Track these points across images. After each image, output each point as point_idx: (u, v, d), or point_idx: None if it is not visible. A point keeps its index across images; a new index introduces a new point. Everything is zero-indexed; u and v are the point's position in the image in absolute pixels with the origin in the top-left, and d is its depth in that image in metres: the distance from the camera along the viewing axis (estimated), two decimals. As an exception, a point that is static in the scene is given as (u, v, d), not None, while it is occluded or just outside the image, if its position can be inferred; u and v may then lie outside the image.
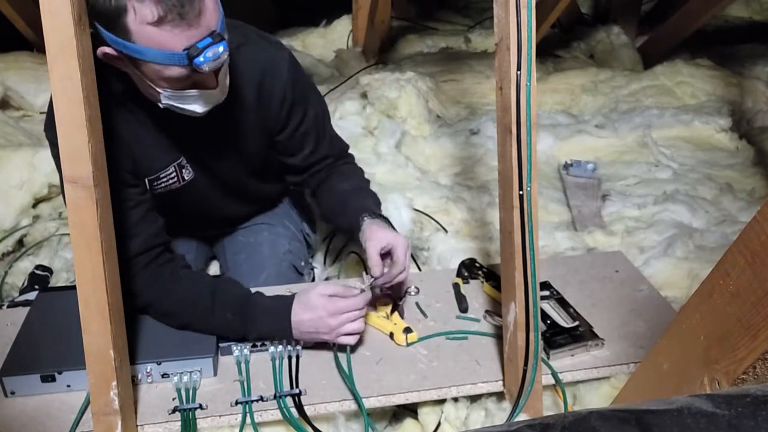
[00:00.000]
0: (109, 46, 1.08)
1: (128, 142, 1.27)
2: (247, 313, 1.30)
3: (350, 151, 1.61)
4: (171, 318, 1.33)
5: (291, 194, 1.78)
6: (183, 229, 1.60)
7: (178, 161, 1.36)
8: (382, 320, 1.39)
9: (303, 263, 1.68)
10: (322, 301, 1.27)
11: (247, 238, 1.68)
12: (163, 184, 1.36)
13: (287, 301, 1.31)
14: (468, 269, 1.56)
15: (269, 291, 1.42)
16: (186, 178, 1.38)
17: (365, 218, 1.39)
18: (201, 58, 1.06)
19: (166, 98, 1.15)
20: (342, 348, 1.31)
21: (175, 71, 1.09)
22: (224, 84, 1.19)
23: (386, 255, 1.36)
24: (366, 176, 1.59)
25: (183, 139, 1.34)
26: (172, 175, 1.36)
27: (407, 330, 1.36)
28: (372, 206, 1.45)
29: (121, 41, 1.05)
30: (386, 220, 1.43)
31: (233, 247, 1.69)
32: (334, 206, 1.51)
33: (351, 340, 1.30)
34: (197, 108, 1.18)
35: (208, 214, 1.55)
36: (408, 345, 1.35)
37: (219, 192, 1.48)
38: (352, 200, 1.46)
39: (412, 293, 1.51)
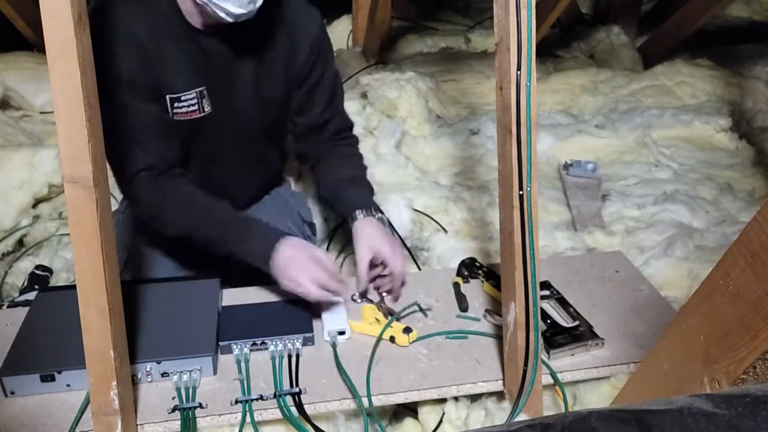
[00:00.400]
0: None
1: (155, 57, 1.31)
2: (243, 227, 1.36)
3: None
4: (173, 227, 1.38)
5: (294, 197, 1.79)
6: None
7: (200, 89, 1.38)
8: (376, 327, 1.38)
9: None
10: (316, 256, 1.33)
11: None
12: (183, 109, 1.38)
13: (282, 233, 1.36)
14: (468, 268, 1.56)
15: (265, 291, 1.45)
16: (206, 109, 1.41)
17: (359, 215, 1.43)
18: None
19: None
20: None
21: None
22: None
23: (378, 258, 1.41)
24: (363, 162, 1.63)
25: (209, 69, 1.38)
26: (194, 101, 1.38)
27: (407, 330, 1.36)
28: (366, 201, 1.49)
29: None
30: (380, 213, 1.47)
31: None
32: (331, 193, 1.57)
33: (303, 292, 1.32)
34: (233, 8, 1.22)
35: (219, 168, 1.54)
36: (410, 344, 1.36)
37: (231, 136, 1.49)
38: (348, 191, 1.51)
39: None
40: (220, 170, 1.54)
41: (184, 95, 1.37)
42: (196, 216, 1.38)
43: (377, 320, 1.39)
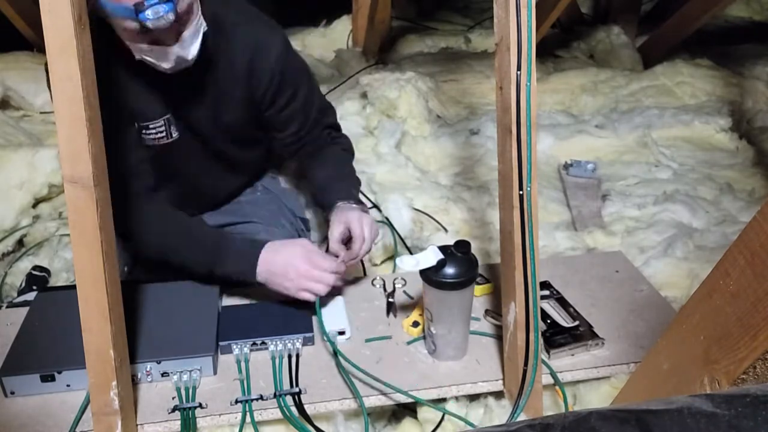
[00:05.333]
0: None
1: (125, 87, 1.35)
2: (219, 248, 1.37)
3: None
4: (164, 255, 1.40)
5: (286, 194, 1.82)
6: (174, 200, 1.63)
7: (167, 116, 1.42)
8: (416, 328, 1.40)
9: None
10: (300, 249, 1.34)
11: (243, 236, 1.68)
12: (152, 135, 1.42)
13: (259, 243, 1.37)
14: None
15: (265, 291, 1.43)
16: (173, 135, 1.44)
17: (338, 203, 1.48)
18: (145, 14, 1.13)
19: (135, 52, 1.23)
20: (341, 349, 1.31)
21: (129, 24, 1.16)
22: (189, 44, 1.25)
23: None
24: (351, 153, 1.66)
25: (173, 97, 1.41)
26: (161, 128, 1.42)
27: (416, 324, 1.38)
28: (348, 191, 1.52)
29: None
30: (361, 203, 1.50)
31: None
32: (316, 189, 1.61)
33: (311, 297, 1.33)
34: (162, 64, 1.25)
35: (194, 180, 1.59)
36: (415, 340, 1.37)
37: (200, 155, 1.53)
38: (332, 185, 1.54)
39: (399, 285, 1.52)
40: (193, 183, 1.58)
41: (152, 123, 1.41)
42: (171, 239, 1.41)
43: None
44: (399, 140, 2.29)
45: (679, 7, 3.00)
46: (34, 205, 2.04)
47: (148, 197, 1.40)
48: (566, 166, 2.21)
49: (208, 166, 1.58)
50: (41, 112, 2.54)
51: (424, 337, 1.36)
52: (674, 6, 3.09)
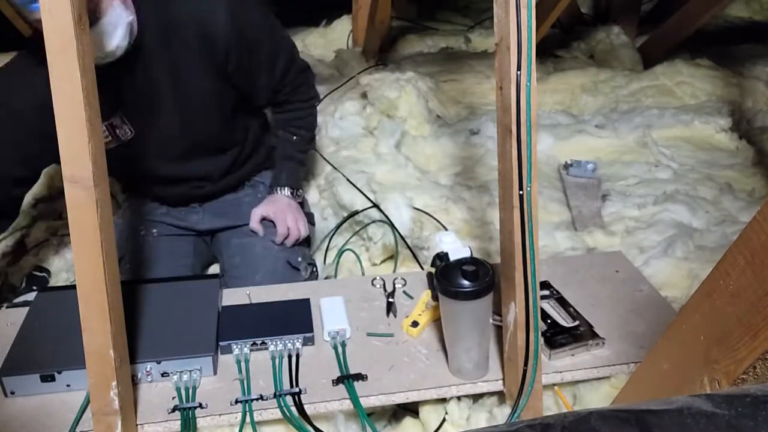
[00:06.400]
0: None
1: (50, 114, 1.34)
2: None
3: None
4: None
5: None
6: (160, 193, 1.72)
7: (110, 121, 1.41)
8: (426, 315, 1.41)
9: (300, 258, 1.68)
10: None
11: (241, 239, 1.69)
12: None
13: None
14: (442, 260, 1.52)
15: (265, 291, 1.45)
16: (123, 137, 1.44)
17: (274, 191, 1.72)
18: (36, 4, 1.09)
19: None
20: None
21: (30, 15, 1.17)
22: (107, 36, 1.25)
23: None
24: (310, 130, 1.82)
25: (119, 97, 1.40)
26: (105, 133, 1.41)
27: (415, 324, 1.38)
28: (285, 179, 1.74)
29: None
30: (294, 190, 1.74)
31: (229, 250, 1.70)
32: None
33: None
34: None
35: (171, 172, 1.61)
36: (416, 337, 1.37)
37: (169, 146, 1.55)
38: (279, 158, 1.76)
39: (399, 285, 1.52)
40: (171, 174, 1.61)
41: None
42: None
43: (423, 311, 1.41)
44: (399, 140, 2.29)
45: (679, 7, 3.00)
46: (34, 205, 2.03)
47: None
48: (566, 166, 2.21)
49: (182, 152, 1.58)
50: (41, 112, 2.54)
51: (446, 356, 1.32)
52: (674, 6, 3.09)
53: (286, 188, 1.73)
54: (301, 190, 1.79)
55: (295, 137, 1.77)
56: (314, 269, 1.74)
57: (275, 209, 1.68)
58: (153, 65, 1.40)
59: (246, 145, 1.73)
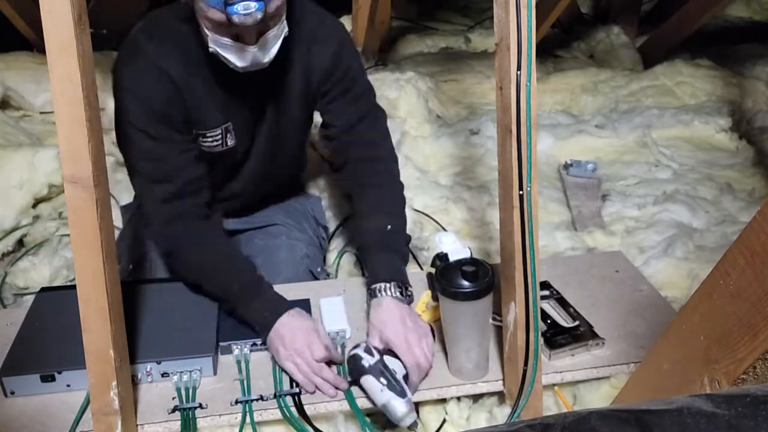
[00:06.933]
0: None
1: (187, 93, 1.33)
2: (250, 291, 1.34)
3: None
4: (186, 273, 1.40)
5: (311, 199, 1.82)
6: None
7: (226, 125, 1.41)
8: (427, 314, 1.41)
9: (319, 269, 1.67)
10: (309, 324, 1.29)
11: (265, 241, 1.66)
12: (207, 144, 1.41)
13: (286, 305, 1.32)
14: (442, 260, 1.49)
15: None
16: (229, 144, 1.43)
17: (377, 292, 1.33)
18: (234, 8, 1.11)
19: (212, 42, 1.21)
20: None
21: (215, 14, 1.15)
22: (267, 47, 1.24)
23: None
24: (400, 195, 1.52)
25: (235, 105, 1.39)
26: (218, 137, 1.41)
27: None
28: (389, 272, 1.36)
29: None
30: (403, 288, 1.35)
31: (250, 249, 1.64)
32: (359, 247, 1.62)
33: (293, 371, 1.25)
34: (236, 61, 1.23)
35: (238, 184, 1.58)
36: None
37: (251, 161, 1.52)
38: (373, 254, 1.41)
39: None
40: (238, 184, 1.57)
41: (210, 132, 1.40)
42: (207, 269, 1.37)
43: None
44: (399, 140, 2.29)
45: (679, 7, 3.00)
46: (34, 205, 2.04)
47: (197, 218, 1.37)
48: (566, 166, 2.21)
49: (252, 170, 1.54)
50: (41, 112, 2.54)
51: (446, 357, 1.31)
52: (674, 6, 3.09)
53: (391, 286, 1.33)
54: (410, 288, 1.37)
55: (389, 226, 1.44)
56: (327, 276, 1.73)
57: (392, 333, 1.26)
58: (266, 81, 1.38)
59: (303, 172, 1.79)
